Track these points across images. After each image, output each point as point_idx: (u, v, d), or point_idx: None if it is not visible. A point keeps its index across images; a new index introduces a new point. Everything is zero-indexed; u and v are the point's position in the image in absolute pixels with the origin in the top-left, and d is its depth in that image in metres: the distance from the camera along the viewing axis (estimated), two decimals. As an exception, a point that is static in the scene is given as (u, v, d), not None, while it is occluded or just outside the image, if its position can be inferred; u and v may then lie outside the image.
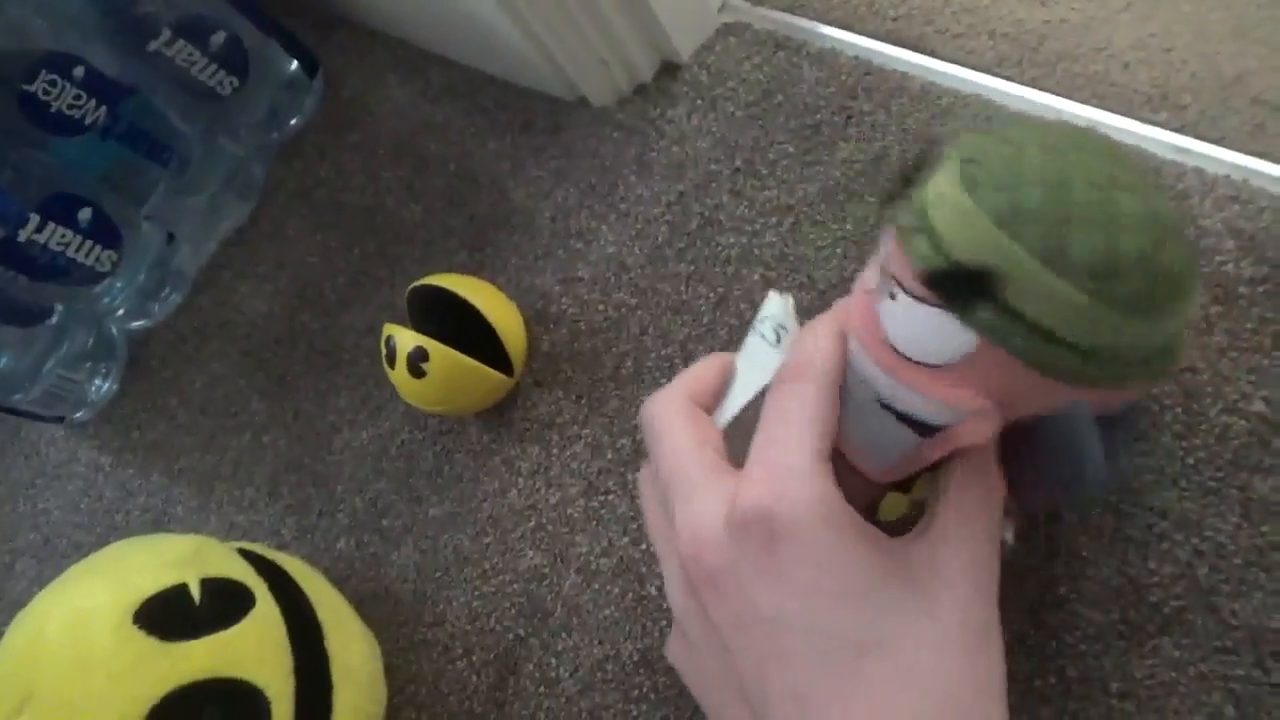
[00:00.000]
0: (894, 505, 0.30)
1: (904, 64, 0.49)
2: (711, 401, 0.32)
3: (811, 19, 0.53)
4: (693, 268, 0.49)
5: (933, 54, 0.49)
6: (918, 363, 0.25)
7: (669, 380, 0.47)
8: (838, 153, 0.48)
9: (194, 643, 0.37)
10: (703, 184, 0.51)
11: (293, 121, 0.66)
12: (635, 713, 0.42)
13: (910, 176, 0.26)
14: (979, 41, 0.48)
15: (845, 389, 0.28)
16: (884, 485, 0.30)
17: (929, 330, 0.24)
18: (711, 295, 0.48)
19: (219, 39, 0.59)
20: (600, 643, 0.44)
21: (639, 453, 0.47)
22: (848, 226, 0.46)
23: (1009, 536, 0.33)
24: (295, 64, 0.65)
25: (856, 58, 0.50)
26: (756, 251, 0.48)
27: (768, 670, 0.26)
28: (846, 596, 0.25)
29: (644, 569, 0.44)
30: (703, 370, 0.32)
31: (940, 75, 0.48)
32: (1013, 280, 0.22)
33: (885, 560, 0.26)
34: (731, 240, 0.49)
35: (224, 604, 0.39)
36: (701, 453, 0.29)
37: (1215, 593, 0.35)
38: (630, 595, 0.44)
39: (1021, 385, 0.25)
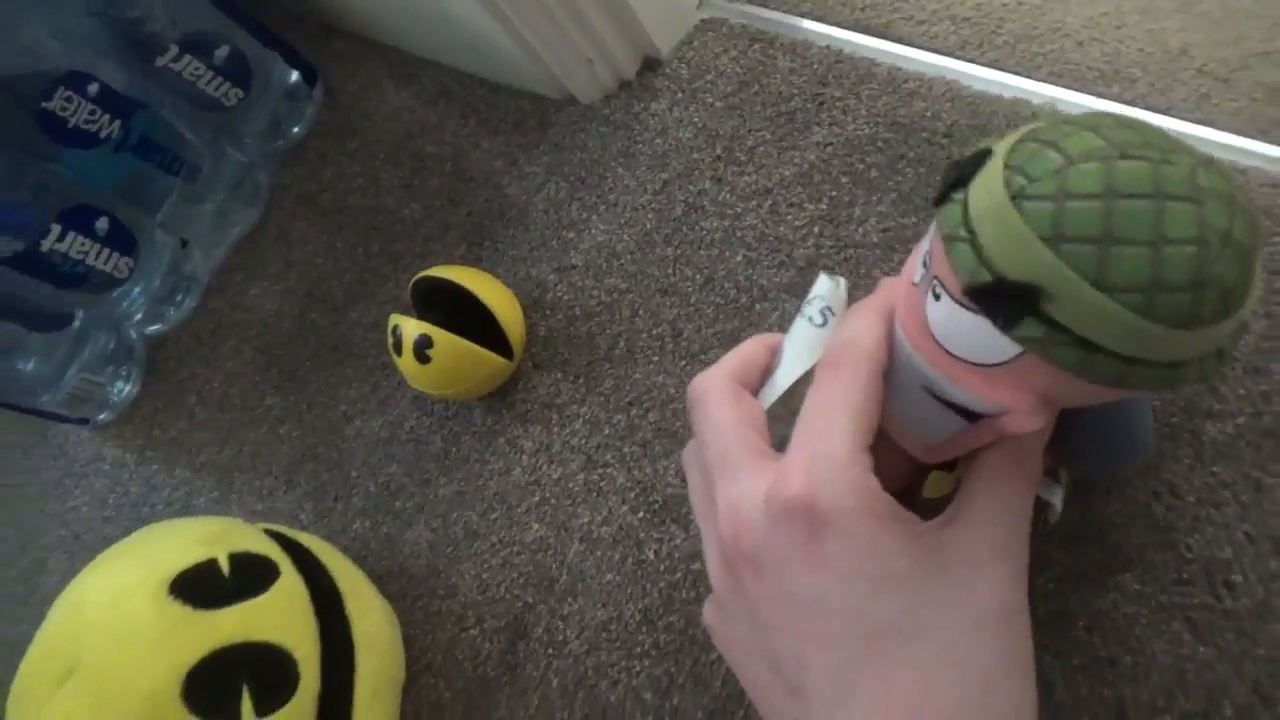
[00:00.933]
0: (938, 484, 0.31)
1: (872, 51, 0.52)
2: (757, 381, 0.32)
3: (784, 12, 0.55)
4: (679, 251, 0.52)
5: (899, 40, 0.52)
6: (963, 360, 0.25)
7: (660, 358, 0.50)
8: (811, 137, 0.51)
9: (226, 610, 0.40)
10: (686, 172, 0.53)
11: (295, 129, 0.69)
12: (638, 668, 0.44)
13: (962, 176, 0.24)
14: (942, 26, 0.51)
15: (893, 369, 0.28)
16: (929, 464, 0.31)
17: (972, 335, 0.24)
18: (698, 276, 0.51)
19: (223, 53, 0.62)
20: (603, 605, 0.46)
21: (634, 427, 0.49)
22: (823, 206, 0.49)
23: (1057, 503, 0.33)
24: (296, 74, 0.68)
25: (827, 47, 0.53)
26: (738, 234, 0.51)
27: (807, 651, 0.26)
28: (886, 582, 0.26)
29: (642, 535, 0.47)
30: (749, 350, 0.32)
31: (906, 60, 0.51)
32: (1057, 296, 0.22)
33: (922, 547, 0.26)
34: (714, 224, 0.51)
35: (251, 576, 0.42)
36: (745, 433, 0.29)
37: (1172, 529, 0.37)
38: (630, 560, 0.47)
39: (1068, 388, 0.24)
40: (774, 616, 0.27)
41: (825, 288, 0.32)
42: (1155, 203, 0.21)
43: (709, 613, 0.32)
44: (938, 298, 0.25)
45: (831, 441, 0.27)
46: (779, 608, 0.27)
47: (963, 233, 0.23)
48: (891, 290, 0.29)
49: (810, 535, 0.26)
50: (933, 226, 0.27)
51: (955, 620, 0.26)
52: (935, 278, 0.25)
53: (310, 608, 0.42)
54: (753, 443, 0.29)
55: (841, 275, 0.32)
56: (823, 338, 0.31)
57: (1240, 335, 0.24)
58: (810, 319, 0.31)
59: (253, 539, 0.44)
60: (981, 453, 0.29)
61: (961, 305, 0.24)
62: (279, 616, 0.40)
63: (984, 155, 0.24)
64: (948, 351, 0.25)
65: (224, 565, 0.41)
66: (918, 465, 0.31)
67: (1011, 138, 0.24)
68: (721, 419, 0.30)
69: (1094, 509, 0.38)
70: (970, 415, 0.27)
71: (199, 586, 0.40)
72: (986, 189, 0.23)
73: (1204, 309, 0.21)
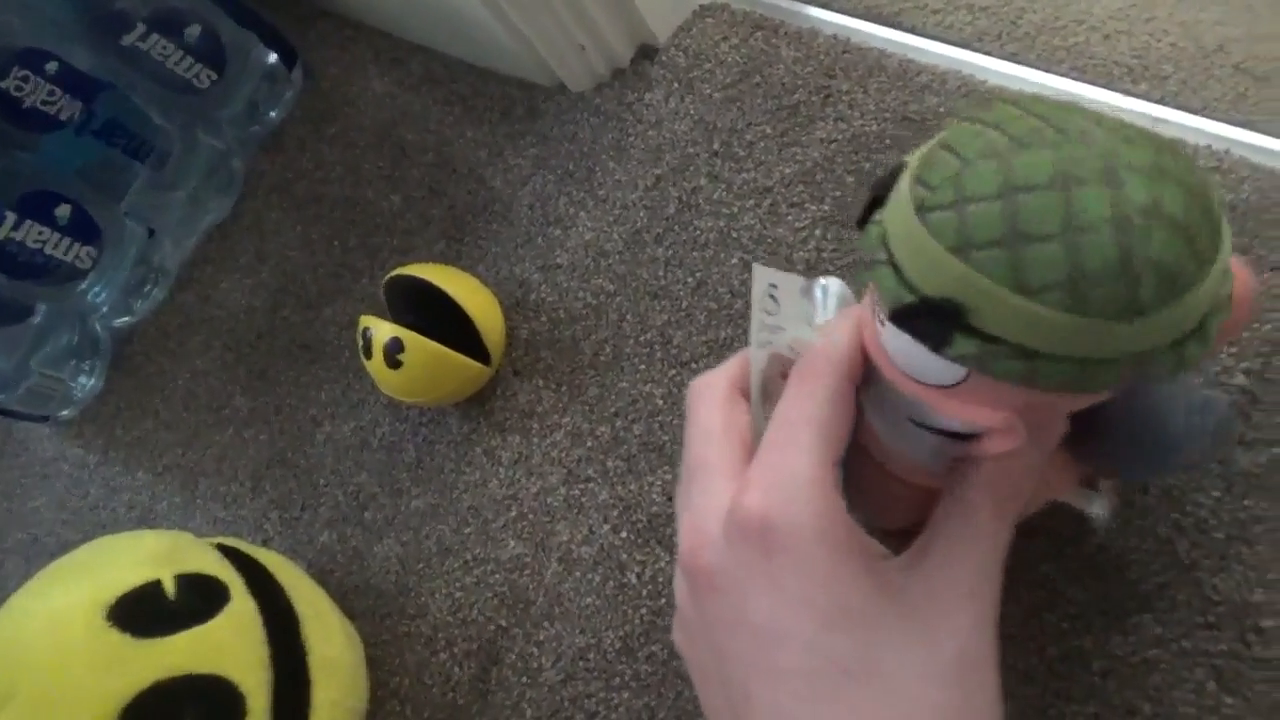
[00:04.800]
0: None
1: (881, 41, 0.48)
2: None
3: (788, -2, 0.52)
4: (671, 252, 0.49)
5: (911, 30, 0.48)
6: (924, 383, 0.24)
7: (647, 366, 0.47)
8: (815, 132, 0.47)
9: (168, 639, 0.37)
10: (680, 168, 0.50)
11: (272, 114, 0.66)
12: (617, 701, 0.41)
13: (879, 195, 0.23)
14: (957, 16, 0.48)
15: (876, 395, 0.27)
16: (927, 488, 0.29)
17: (919, 357, 0.23)
18: (690, 280, 0.48)
19: (194, 32, 0.59)
20: (582, 631, 0.43)
21: (618, 440, 0.46)
22: (825, 207, 0.46)
23: (1100, 512, 0.31)
24: (274, 56, 0.65)
25: (834, 36, 0.49)
26: (735, 234, 0.47)
27: (752, 681, 0.25)
28: (837, 616, 0.24)
29: (624, 556, 0.44)
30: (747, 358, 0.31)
31: (918, 51, 0.47)
32: (979, 308, 0.20)
33: (880, 583, 0.25)
34: (709, 224, 0.48)
35: (198, 599, 0.39)
36: (725, 441, 0.28)
37: (1197, 567, 0.34)
38: (611, 583, 0.44)
39: (1034, 398, 0.23)
40: (726, 640, 0.26)
41: (762, 275, 0.30)
42: (1059, 192, 0.20)
43: (675, 630, 0.30)
44: (882, 323, 0.24)
45: (793, 457, 0.25)
46: (731, 631, 0.26)
47: (882, 255, 0.22)
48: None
49: (763, 555, 0.25)
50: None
51: (910, 666, 0.24)
52: (875, 303, 0.24)
53: (262, 633, 0.39)
54: (732, 454, 0.28)
55: (834, 279, 0.31)
56: (773, 321, 0.30)
57: (1222, 311, 0.22)
58: (766, 311, 0.30)
59: (204, 558, 0.41)
60: (955, 481, 0.27)
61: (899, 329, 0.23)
62: (226, 644, 0.38)
63: (898, 170, 0.23)
64: (909, 376, 0.24)
65: (169, 587, 0.38)
66: (926, 494, 0.29)
67: (921, 148, 0.23)
68: (708, 424, 0.29)
69: (1112, 541, 0.36)
70: (952, 435, 0.25)
71: (141, 611, 0.37)
72: (897, 205, 0.22)
73: (1142, 294, 0.20)
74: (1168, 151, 0.20)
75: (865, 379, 0.27)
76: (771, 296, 0.30)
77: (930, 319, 0.21)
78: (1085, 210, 0.19)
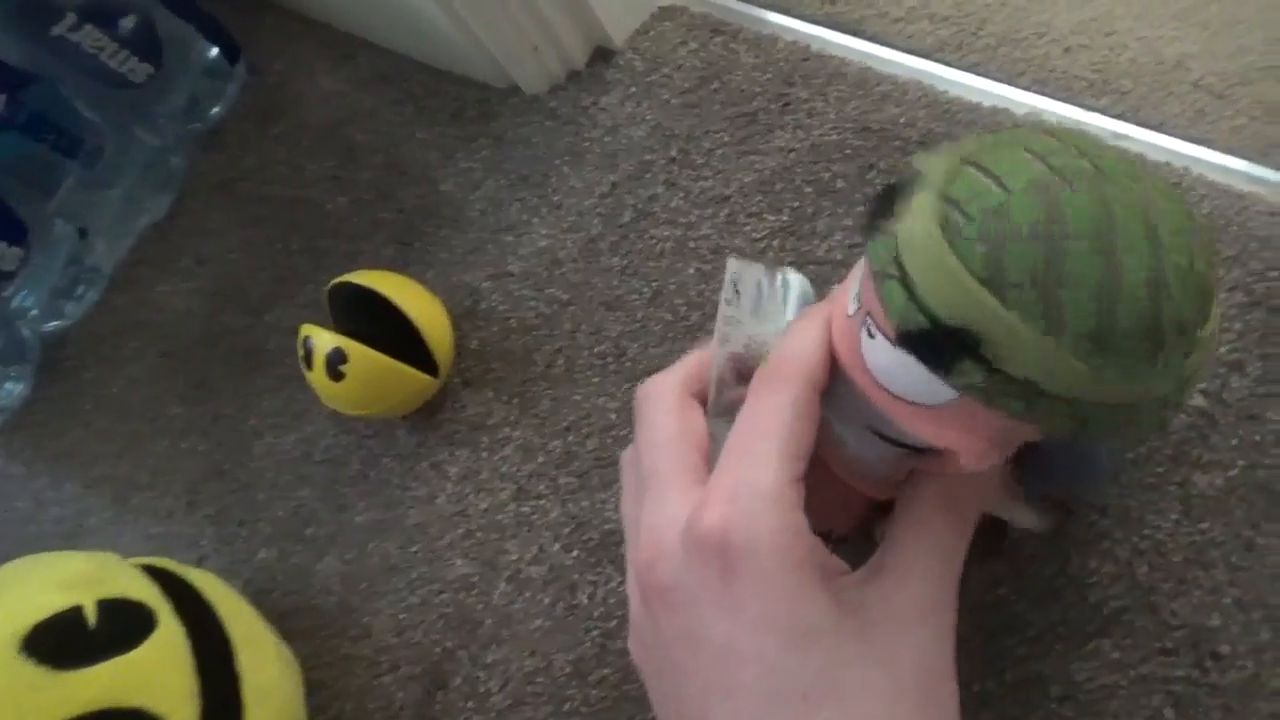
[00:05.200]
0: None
1: (842, 49, 0.48)
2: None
3: (748, 2, 0.51)
4: (626, 261, 0.47)
5: (872, 38, 0.48)
6: (903, 399, 0.23)
7: (601, 379, 0.46)
8: (774, 141, 0.46)
9: (88, 670, 0.35)
10: (637, 174, 0.49)
11: (214, 110, 0.63)
12: (567, 727, 0.40)
13: (889, 203, 0.22)
14: (919, 26, 0.47)
15: (836, 397, 0.26)
16: (881, 501, 0.28)
17: (909, 376, 0.22)
18: (646, 290, 0.46)
19: (129, 23, 0.56)
20: (531, 654, 0.42)
21: (571, 455, 0.45)
22: (784, 218, 0.45)
23: (1029, 523, 0.31)
24: (215, 50, 0.62)
25: (794, 42, 0.49)
26: (691, 244, 0.46)
27: (710, 702, 0.24)
28: (799, 638, 0.24)
29: (576, 576, 0.42)
30: (703, 356, 0.30)
31: (879, 60, 0.47)
32: (998, 342, 0.20)
33: (842, 602, 0.24)
34: (666, 233, 0.47)
35: (122, 626, 0.36)
36: (682, 451, 0.27)
37: (1155, 591, 0.34)
38: (562, 604, 0.42)
39: (1016, 431, 0.23)
40: (682, 658, 0.25)
41: (733, 267, 0.29)
42: (1104, 241, 0.19)
43: (631, 641, 0.29)
44: (872, 335, 0.23)
45: (755, 471, 0.25)
46: (687, 650, 0.25)
47: (893, 270, 0.21)
48: (833, 304, 0.27)
49: (722, 575, 0.24)
50: (864, 260, 0.24)
51: (872, 686, 0.24)
52: (868, 313, 0.23)
53: (191, 662, 0.37)
54: (688, 462, 0.27)
55: (795, 273, 0.30)
56: (735, 314, 0.29)
57: (1205, 366, 0.22)
58: (726, 300, 0.29)
59: (130, 581, 0.39)
60: (911, 494, 0.27)
61: (897, 347, 0.22)
62: (152, 674, 0.35)
63: (913, 180, 0.22)
64: (887, 390, 0.23)
65: (90, 614, 0.36)
66: (869, 502, 0.29)
67: (941, 159, 0.22)
68: (660, 431, 0.28)
69: (1071, 564, 0.35)
70: (918, 450, 0.25)
71: (59, 641, 0.35)
72: (918, 222, 0.21)
73: (1164, 348, 0.20)
74: (1183, 201, 0.21)
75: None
76: (735, 288, 0.29)
77: (941, 343, 0.21)
78: (1127, 268, 0.19)
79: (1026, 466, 0.28)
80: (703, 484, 0.26)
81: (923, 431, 0.24)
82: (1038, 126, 0.22)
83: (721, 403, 0.29)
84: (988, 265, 0.20)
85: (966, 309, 0.20)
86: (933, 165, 0.22)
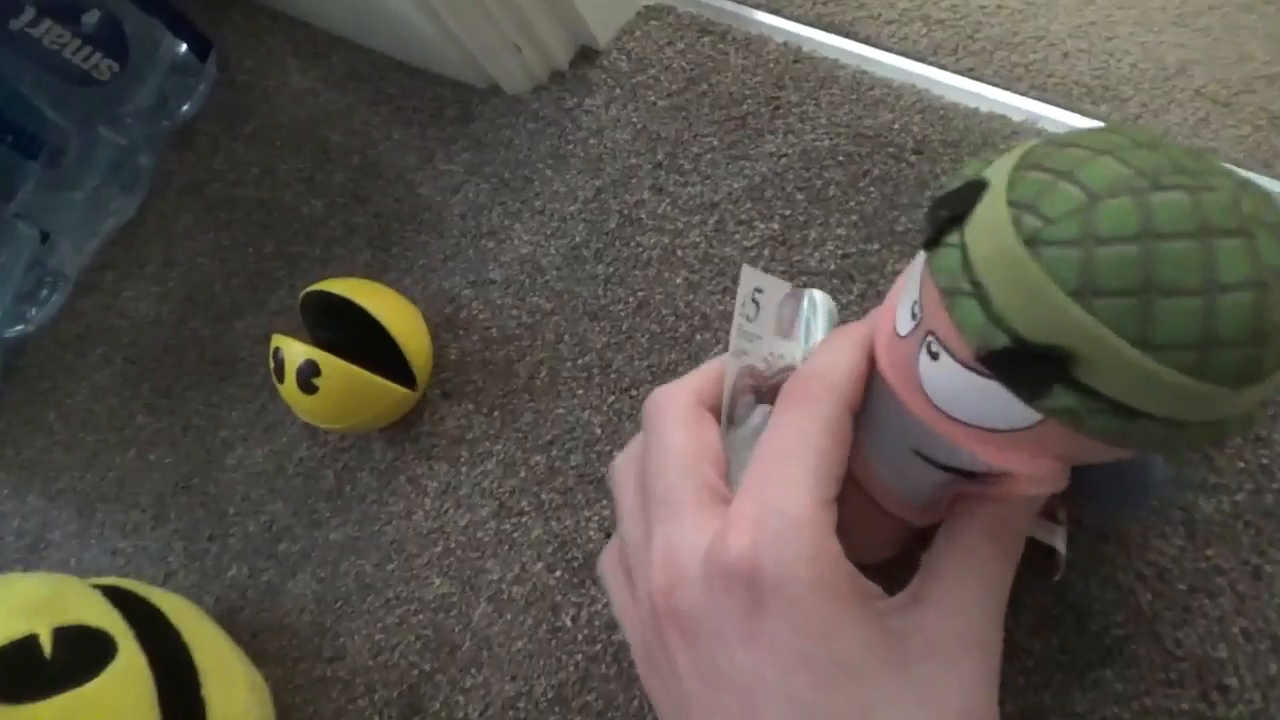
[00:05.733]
0: None
1: (834, 51, 0.46)
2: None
3: (738, 2, 0.49)
4: (611, 269, 0.46)
5: (865, 41, 0.46)
6: (968, 424, 0.21)
7: (585, 392, 0.44)
8: (764, 146, 0.45)
9: (43, 704, 0.33)
10: (622, 179, 0.47)
11: (183, 109, 0.61)
12: (549, 756, 0.39)
13: (955, 214, 0.20)
14: (913, 28, 0.46)
15: (875, 424, 0.24)
16: (921, 527, 0.27)
17: (983, 401, 0.21)
18: (631, 299, 0.45)
19: (92, 18, 0.54)
20: (512, 678, 0.40)
21: (554, 470, 0.43)
22: (774, 226, 0.43)
23: (1061, 548, 0.30)
24: (184, 47, 0.60)
25: (785, 44, 0.47)
26: (679, 252, 0.45)
27: None
28: (833, 674, 0.22)
29: (559, 597, 0.41)
30: (718, 367, 0.28)
31: (872, 63, 0.45)
32: (1091, 360, 0.18)
33: (881, 634, 0.23)
34: (652, 240, 0.45)
35: (80, 656, 0.35)
36: (698, 468, 0.25)
37: (1159, 620, 0.33)
38: (544, 627, 0.41)
39: (1094, 450, 0.21)
40: (700, 692, 0.23)
41: (748, 277, 0.28)
42: (1202, 242, 0.18)
43: (641, 668, 0.27)
44: (935, 356, 0.21)
45: (785, 494, 0.23)
46: (706, 684, 0.23)
47: (965, 285, 0.20)
48: (877, 323, 0.25)
49: (751, 607, 0.22)
50: (913, 266, 0.22)
51: None
52: (931, 334, 0.21)
53: (153, 693, 0.35)
54: (705, 480, 0.25)
55: (821, 293, 0.29)
56: (753, 329, 0.27)
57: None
58: (745, 314, 0.27)
59: (88, 606, 0.37)
60: (956, 520, 0.25)
61: (969, 369, 0.20)
62: (111, 707, 0.34)
63: (978, 186, 0.20)
64: (946, 414, 0.22)
65: (46, 643, 0.34)
66: (904, 529, 0.27)
67: (1007, 162, 0.20)
68: (674, 445, 0.26)
69: (1072, 591, 0.34)
70: (971, 475, 0.23)
71: (12, 672, 0.33)
72: (990, 231, 0.19)
73: (1267, 361, 0.18)
74: (1266, 194, 0.19)
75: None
76: (755, 301, 0.28)
77: (1030, 366, 0.19)
78: (1229, 268, 0.18)
79: (1077, 486, 0.26)
80: (721, 504, 0.25)
81: (988, 456, 0.22)
82: (1105, 131, 0.20)
83: (738, 418, 0.28)
84: (1076, 274, 0.18)
85: (1054, 324, 0.18)
86: (994, 170, 0.20)
